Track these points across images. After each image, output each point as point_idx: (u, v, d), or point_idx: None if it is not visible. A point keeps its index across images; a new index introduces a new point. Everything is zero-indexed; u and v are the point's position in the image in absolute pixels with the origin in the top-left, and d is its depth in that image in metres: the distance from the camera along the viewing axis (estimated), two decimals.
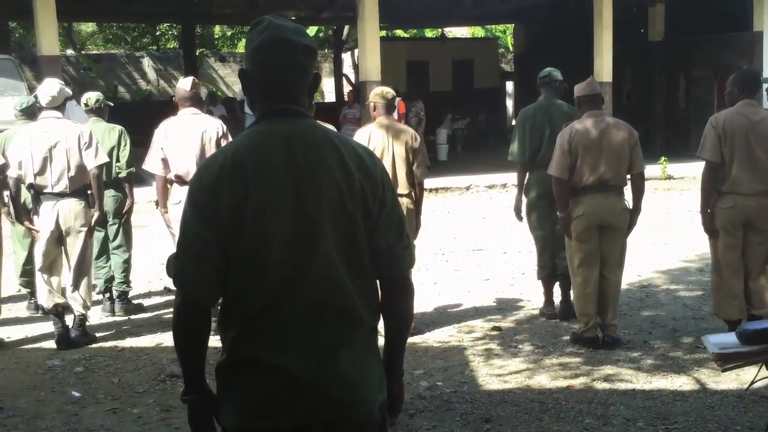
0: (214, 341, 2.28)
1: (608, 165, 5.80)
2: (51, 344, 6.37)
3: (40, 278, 6.31)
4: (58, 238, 6.25)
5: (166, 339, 6.38)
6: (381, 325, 2.43)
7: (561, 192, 5.94)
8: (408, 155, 6.16)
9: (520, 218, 6.93)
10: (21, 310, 7.52)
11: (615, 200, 5.89)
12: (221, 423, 2.33)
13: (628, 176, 5.96)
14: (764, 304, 5.74)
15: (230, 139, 6.27)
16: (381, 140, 6.09)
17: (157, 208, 6.89)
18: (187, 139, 6.28)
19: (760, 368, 3.86)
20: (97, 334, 6.60)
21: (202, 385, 2.34)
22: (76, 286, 6.32)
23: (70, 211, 6.21)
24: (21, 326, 7.00)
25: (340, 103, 20.87)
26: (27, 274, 7.30)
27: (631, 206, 5.96)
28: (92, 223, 6.36)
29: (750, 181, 5.62)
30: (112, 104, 7.48)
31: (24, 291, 7.56)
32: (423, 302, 7.31)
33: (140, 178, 7.51)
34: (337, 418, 2.26)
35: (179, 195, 6.25)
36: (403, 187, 6.14)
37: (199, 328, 2.30)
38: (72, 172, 6.17)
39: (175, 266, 2.28)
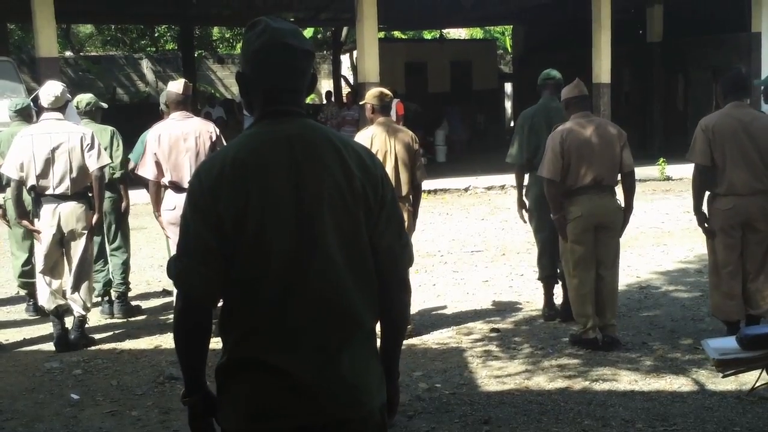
0: (214, 343, 2.28)
1: (602, 165, 5.82)
2: (50, 347, 6.36)
3: (41, 280, 6.31)
4: (60, 241, 6.24)
5: (165, 341, 6.38)
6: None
7: (553, 194, 5.95)
8: (410, 157, 6.16)
9: (523, 219, 6.94)
10: (20, 312, 7.51)
11: (610, 200, 5.93)
12: (221, 425, 2.32)
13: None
14: (761, 305, 5.75)
15: (224, 142, 6.25)
16: (383, 142, 6.08)
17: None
18: (180, 143, 6.22)
19: (761, 373, 3.86)
20: (96, 337, 6.60)
21: (202, 386, 2.34)
22: (76, 288, 6.32)
23: (71, 214, 6.20)
24: (20, 329, 6.99)
25: (339, 105, 20.88)
26: (26, 275, 7.29)
27: (623, 205, 5.99)
28: (93, 226, 6.36)
29: (746, 181, 5.65)
30: (105, 106, 7.44)
31: (23, 293, 7.55)
32: (422, 304, 7.32)
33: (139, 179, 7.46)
34: (337, 420, 2.26)
35: (173, 201, 6.20)
36: (405, 189, 6.14)
37: (200, 329, 2.30)
38: (74, 174, 6.16)
39: (176, 267, 2.27)
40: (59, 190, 6.16)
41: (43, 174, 6.12)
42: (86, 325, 6.52)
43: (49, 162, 6.10)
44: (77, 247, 6.26)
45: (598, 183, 5.84)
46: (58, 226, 6.18)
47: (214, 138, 6.30)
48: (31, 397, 5.38)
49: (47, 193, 6.17)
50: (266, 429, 2.25)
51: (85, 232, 6.26)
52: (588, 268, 5.91)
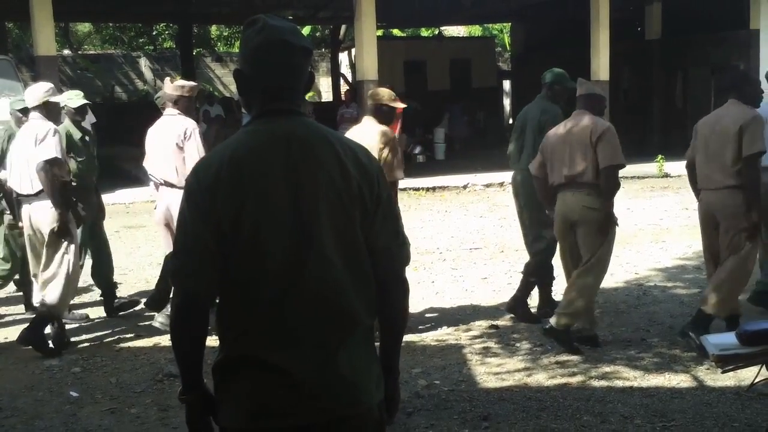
0: (212, 341, 2.28)
1: (574, 162, 5.72)
2: (49, 344, 6.35)
3: (34, 283, 6.30)
4: (41, 241, 6.18)
5: (164, 339, 6.38)
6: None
7: (540, 190, 6.06)
8: (378, 153, 5.95)
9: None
10: (19, 309, 7.50)
11: (581, 198, 5.71)
12: (219, 423, 2.32)
13: None
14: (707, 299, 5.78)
15: (195, 140, 6.18)
16: (353, 137, 5.82)
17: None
18: (158, 140, 6.36)
19: (760, 369, 3.85)
20: (96, 334, 6.62)
21: (199, 384, 2.34)
22: (44, 286, 6.14)
23: (38, 215, 6.10)
24: (19, 326, 6.97)
25: (338, 103, 20.87)
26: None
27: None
28: (63, 225, 6.04)
29: (712, 177, 5.74)
30: (74, 105, 6.93)
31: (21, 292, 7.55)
32: (421, 301, 7.32)
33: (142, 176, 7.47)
34: (336, 418, 2.26)
35: (157, 199, 6.30)
36: None
37: (198, 326, 2.30)
38: (30, 171, 6.00)
39: (173, 264, 2.27)
40: (24, 191, 6.11)
41: (12, 173, 6.14)
42: (50, 329, 6.27)
43: (13, 161, 6.12)
44: (48, 247, 6.10)
45: (575, 180, 5.73)
46: (31, 226, 6.15)
47: (182, 137, 6.18)
48: (31, 394, 5.39)
49: (19, 192, 6.15)
50: (267, 427, 2.25)
51: (55, 231, 6.04)
52: (572, 266, 5.93)
